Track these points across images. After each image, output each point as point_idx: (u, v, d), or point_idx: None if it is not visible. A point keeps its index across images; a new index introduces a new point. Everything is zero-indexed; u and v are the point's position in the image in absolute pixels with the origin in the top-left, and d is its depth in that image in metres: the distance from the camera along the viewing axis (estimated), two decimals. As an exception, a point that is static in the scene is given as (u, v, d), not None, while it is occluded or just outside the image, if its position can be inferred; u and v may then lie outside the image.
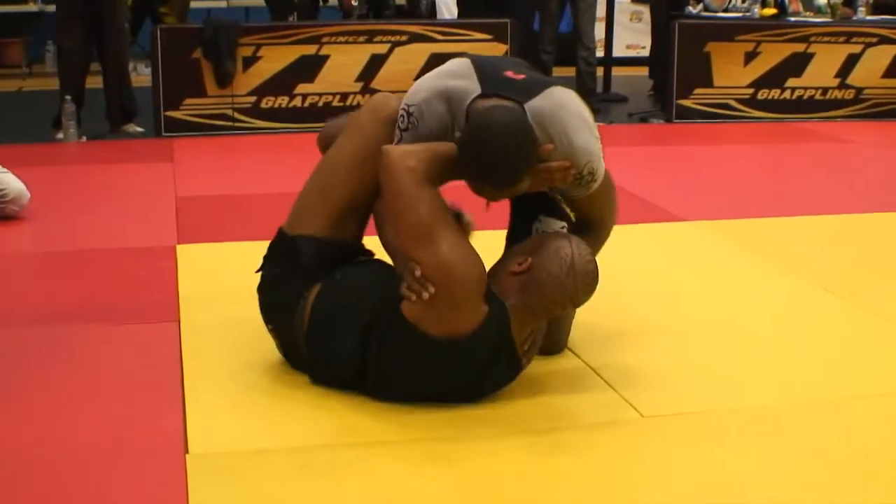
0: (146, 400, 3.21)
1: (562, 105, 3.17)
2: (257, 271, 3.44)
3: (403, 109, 3.25)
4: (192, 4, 10.59)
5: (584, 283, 3.08)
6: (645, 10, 11.02)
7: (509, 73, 3.21)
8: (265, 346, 3.54)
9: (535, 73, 3.33)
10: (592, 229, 3.41)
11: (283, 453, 2.89)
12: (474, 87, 3.15)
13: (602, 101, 9.55)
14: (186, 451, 2.87)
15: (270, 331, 3.41)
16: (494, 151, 2.94)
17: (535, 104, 3.12)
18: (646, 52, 10.95)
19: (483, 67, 3.21)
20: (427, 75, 3.33)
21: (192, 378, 3.34)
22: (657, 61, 9.80)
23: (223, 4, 11.79)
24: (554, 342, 3.51)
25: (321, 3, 9.79)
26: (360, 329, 3.12)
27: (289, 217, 3.41)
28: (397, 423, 3.06)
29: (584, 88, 9.25)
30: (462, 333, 3.01)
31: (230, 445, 2.93)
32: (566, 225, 3.47)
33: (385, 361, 3.11)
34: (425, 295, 2.96)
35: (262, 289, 3.43)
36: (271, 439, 2.98)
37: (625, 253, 4.07)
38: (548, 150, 3.07)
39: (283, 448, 2.92)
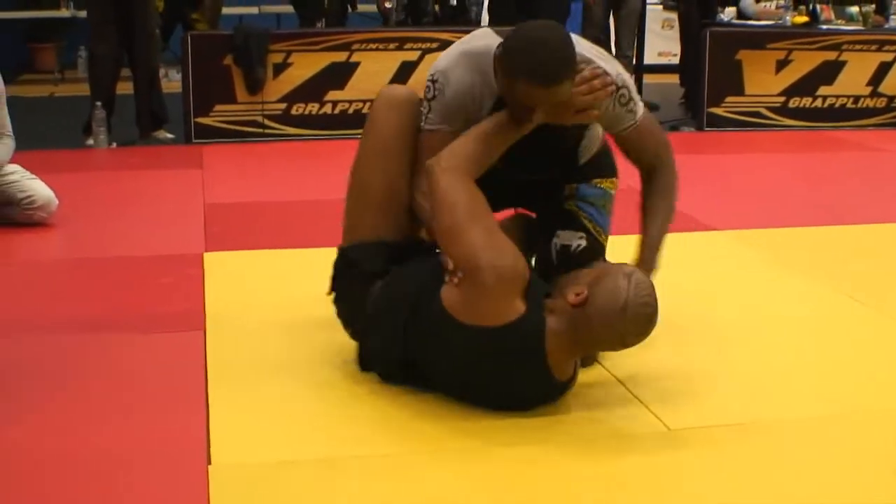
0: (170, 410, 3.20)
1: (577, 40, 3.22)
2: (328, 294, 3.50)
3: (429, 79, 3.33)
4: (224, 11, 10.60)
5: (636, 324, 3.01)
6: (677, 17, 10.96)
7: None
8: (291, 356, 3.55)
9: None
10: (658, 175, 3.48)
11: (306, 464, 2.88)
12: (497, 41, 3.22)
13: (633, 109, 9.52)
14: (209, 461, 2.86)
15: (351, 335, 3.48)
16: (540, 41, 3.02)
17: None
18: (677, 60, 10.91)
19: (502, 29, 3.29)
20: (450, 47, 3.42)
21: (216, 388, 3.33)
22: (687, 69, 9.77)
23: (254, 11, 11.80)
24: (588, 357, 3.50)
25: (349, 10, 9.77)
26: (406, 311, 3.18)
27: (342, 233, 3.50)
28: (419, 432, 3.05)
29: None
30: (490, 325, 3.01)
31: (253, 456, 2.92)
32: (584, 236, 3.48)
33: (422, 344, 3.15)
34: (455, 280, 3.03)
35: (335, 302, 3.50)
36: (294, 450, 2.96)
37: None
38: (577, 70, 3.13)
39: (306, 459, 2.91)
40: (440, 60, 3.35)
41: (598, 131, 3.59)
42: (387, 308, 3.25)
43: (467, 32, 3.50)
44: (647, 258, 3.43)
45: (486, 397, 3.14)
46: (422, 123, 3.37)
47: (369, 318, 3.31)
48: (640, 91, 10.17)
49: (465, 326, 3.03)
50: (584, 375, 3.43)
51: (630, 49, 9.28)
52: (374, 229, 3.37)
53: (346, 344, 3.47)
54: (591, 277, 3.09)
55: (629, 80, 3.36)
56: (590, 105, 3.19)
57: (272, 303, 4.07)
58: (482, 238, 3.05)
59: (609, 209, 3.67)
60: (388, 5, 9.36)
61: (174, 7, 9.54)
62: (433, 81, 3.31)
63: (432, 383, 3.21)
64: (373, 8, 10.51)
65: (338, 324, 3.49)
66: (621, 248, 3.67)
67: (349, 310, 3.45)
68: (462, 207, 3.09)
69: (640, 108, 3.40)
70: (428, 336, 3.13)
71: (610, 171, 3.70)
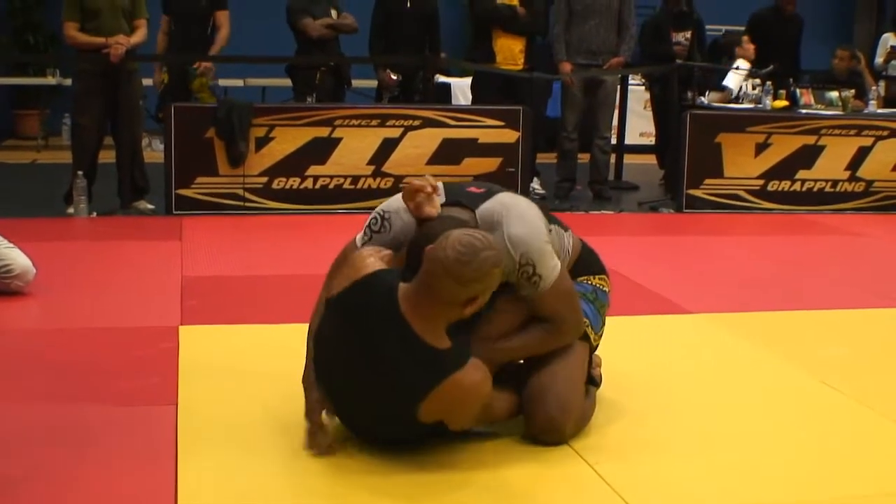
0: (138, 487, 3.16)
1: (504, 204, 3.50)
2: None
3: (378, 213, 3.59)
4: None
5: (457, 252, 3.07)
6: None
7: (472, 189, 3.58)
8: (260, 431, 3.54)
9: (497, 188, 3.62)
10: (546, 323, 3.52)
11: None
12: (440, 200, 3.48)
13: (613, 189, 9.58)
14: (176, 540, 2.84)
15: None
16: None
17: (483, 206, 3.47)
18: (657, 141, 10.98)
19: (450, 186, 3.57)
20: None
21: (185, 466, 3.30)
22: (667, 150, 9.85)
23: (239, 83, 11.88)
24: (547, 419, 3.49)
25: (346, 87, 9.79)
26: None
27: None
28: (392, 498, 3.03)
29: (597, 176, 9.30)
30: (343, 287, 3.30)
31: (220, 535, 2.90)
32: None
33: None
34: None
35: None
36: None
37: (631, 346, 4.05)
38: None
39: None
40: (395, 200, 3.57)
41: (570, 243, 3.73)
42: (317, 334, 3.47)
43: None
44: (490, 348, 3.44)
45: (375, 384, 3.22)
46: (357, 239, 3.61)
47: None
48: (620, 172, 10.31)
49: (327, 302, 3.33)
50: (549, 456, 3.43)
51: (608, 130, 9.35)
52: None
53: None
54: None
55: (535, 248, 3.44)
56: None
57: (246, 379, 4.05)
58: None
59: (601, 307, 3.76)
60: (394, 77, 9.41)
61: (179, 81, 9.35)
62: (382, 217, 3.57)
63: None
64: (367, 84, 10.55)
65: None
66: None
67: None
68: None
69: (547, 281, 3.46)
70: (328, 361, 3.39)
71: (598, 269, 3.84)
